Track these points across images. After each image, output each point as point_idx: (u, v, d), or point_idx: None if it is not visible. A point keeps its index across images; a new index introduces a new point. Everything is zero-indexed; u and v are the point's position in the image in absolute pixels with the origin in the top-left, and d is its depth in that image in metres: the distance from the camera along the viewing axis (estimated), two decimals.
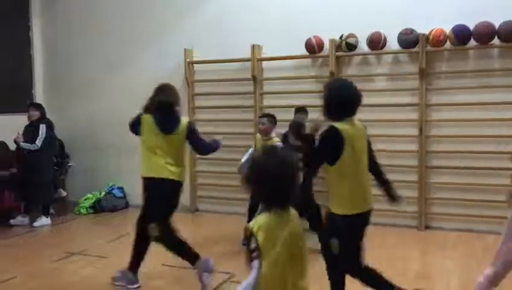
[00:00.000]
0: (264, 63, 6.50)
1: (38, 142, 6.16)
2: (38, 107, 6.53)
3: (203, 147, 4.18)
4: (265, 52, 6.43)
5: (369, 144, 3.22)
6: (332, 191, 3.06)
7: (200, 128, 6.79)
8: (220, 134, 6.71)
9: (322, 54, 6.08)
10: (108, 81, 7.41)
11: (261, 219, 2.03)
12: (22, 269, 4.54)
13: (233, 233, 5.45)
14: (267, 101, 6.52)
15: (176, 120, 3.97)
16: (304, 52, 6.14)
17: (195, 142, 4.11)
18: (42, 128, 6.24)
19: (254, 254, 1.98)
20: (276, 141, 4.94)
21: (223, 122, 6.71)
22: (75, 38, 7.65)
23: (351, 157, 2.96)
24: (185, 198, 6.87)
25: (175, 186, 3.93)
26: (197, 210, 6.98)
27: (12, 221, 6.29)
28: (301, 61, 6.31)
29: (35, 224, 6.20)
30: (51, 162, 6.64)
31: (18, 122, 6.46)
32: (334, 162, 2.96)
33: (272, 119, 5.07)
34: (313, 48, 6.03)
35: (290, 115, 6.33)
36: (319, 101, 6.22)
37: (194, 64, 6.85)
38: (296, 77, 6.32)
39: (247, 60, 6.41)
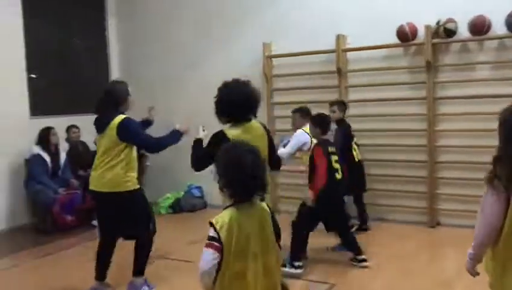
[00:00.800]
0: (349, 54, 6.05)
1: None
2: None
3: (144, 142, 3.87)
4: (350, 43, 5.98)
5: (270, 142, 3.27)
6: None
7: (279, 125, 6.65)
8: None
9: (415, 41, 5.54)
10: (185, 78, 7.23)
11: (225, 215, 2.09)
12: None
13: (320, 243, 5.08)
14: (353, 95, 6.07)
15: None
16: (394, 40, 5.63)
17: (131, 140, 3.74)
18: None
19: (213, 243, 2.03)
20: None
21: None
22: (151, 36, 7.53)
23: None
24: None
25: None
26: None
27: (94, 222, 6.26)
28: (391, 51, 5.80)
29: None
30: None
31: None
32: None
33: (304, 114, 5.06)
34: (406, 35, 5.50)
35: (380, 109, 5.91)
36: (411, 93, 5.90)
37: (273, 59, 6.52)
38: (386, 68, 5.83)
39: (332, 51, 5.98)
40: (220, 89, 3.13)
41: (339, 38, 5.91)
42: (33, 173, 6.04)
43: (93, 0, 7.61)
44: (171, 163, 7.42)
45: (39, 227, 6.09)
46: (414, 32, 5.50)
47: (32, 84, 6.62)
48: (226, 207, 2.14)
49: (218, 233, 2.03)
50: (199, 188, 7.08)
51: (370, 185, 5.67)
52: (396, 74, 5.81)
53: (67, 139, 6.69)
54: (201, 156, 3.23)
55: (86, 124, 6.55)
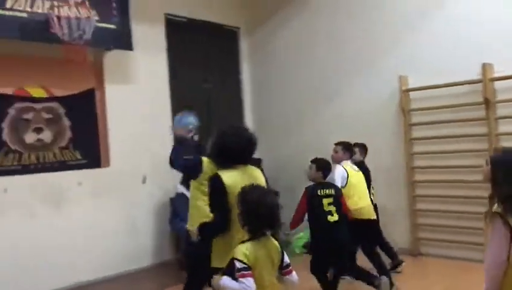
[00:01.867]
0: (497, 84, 5.58)
1: None
2: None
3: None
4: (499, 71, 5.51)
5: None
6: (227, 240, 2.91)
7: (418, 162, 6.30)
8: (443, 168, 6.02)
9: None
10: (318, 114, 7.24)
11: (246, 248, 2.52)
12: None
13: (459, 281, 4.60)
14: (504, 127, 5.54)
15: None
16: None
17: None
18: None
19: (248, 272, 2.46)
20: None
21: (448, 154, 5.93)
22: (282, 76, 7.72)
23: (235, 206, 2.79)
24: (403, 240, 6.29)
25: None
26: (420, 254, 6.23)
27: None
28: None
29: None
30: None
31: None
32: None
33: (345, 148, 5.23)
34: None
35: None
36: None
37: (410, 92, 6.25)
38: None
39: (478, 81, 5.57)
40: (215, 136, 3.10)
41: (485, 67, 5.49)
42: (177, 211, 6.37)
43: (230, 46, 8.06)
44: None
45: (182, 263, 6.36)
46: None
47: None
48: (243, 241, 2.58)
49: (246, 263, 2.47)
50: None
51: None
52: None
53: None
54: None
55: None
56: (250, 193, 2.61)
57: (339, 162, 5.20)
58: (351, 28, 6.82)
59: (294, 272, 2.76)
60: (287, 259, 2.74)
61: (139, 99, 6.46)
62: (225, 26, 7.92)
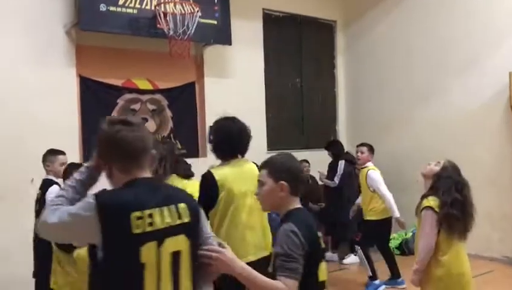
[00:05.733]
0: None
1: (336, 179, 6.15)
2: (334, 143, 6.61)
3: None
4: None
5: None
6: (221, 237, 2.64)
7: None
8: None
9: None
10: (413, 115, 6.97)
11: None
12: None
13: None
14: None
15: None
16: None
17: None
18: (340, 165, 6.20)
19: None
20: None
21: None
22: (378, 72, 7.51)
23: (227, 201, 2.84)
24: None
25: None
26: None
27: None
28: None
29: (345, 261, 6.12)
30: (352, 199, 6.50)
31: (325, 157, 6.61)
32: (212, 205, 2.87)
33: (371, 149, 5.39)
34: None
35: None
36: None
37: None
38: None
39: None
40: (210, 127, 3.09)
41: None
42: None
43: (325, 40, 8.00)
44: (397, 203, 7.15)
45: None
46: None
47: (269, 122, 7.21)
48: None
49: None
50: None
51: None
52: None
53: None
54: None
55: (314, 159, 6.84)
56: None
57: (365, 163, 5.32)
58: (452, 22, 6.47)
59: None
60: None
61: (235, 92, 6.62)
62: (320, 19, 7.86)
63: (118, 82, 5.87)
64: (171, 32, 5.43)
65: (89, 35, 5.49)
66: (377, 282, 5.08)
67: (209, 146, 4.13)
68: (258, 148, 6.96)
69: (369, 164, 5.35)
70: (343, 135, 7.92)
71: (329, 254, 6.35)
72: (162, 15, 5.43)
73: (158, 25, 5.46)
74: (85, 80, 5.59)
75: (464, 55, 6.36)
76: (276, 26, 7.38)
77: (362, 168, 5.41)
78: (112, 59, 5.76)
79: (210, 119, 6.43)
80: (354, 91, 7.96)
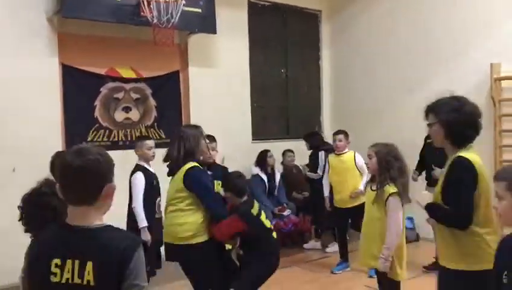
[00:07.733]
0: None
1: (320, 170, 6.12)
2: (312, 135, 6.63)
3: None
4: None
5: None
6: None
7: (508, 156, 5.93)
8: None
9: None
10: (397, 104, 7.02)
11: None
12: None
13: None
14: None
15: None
16: None
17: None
18: (321, 156, 6.18)
19: None
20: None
21: None
22: (363, 62, 7.55)
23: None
24: None
25: None
26: None
27: (305, 245, 6.43)
28: None
29: (328, 250, 6.19)
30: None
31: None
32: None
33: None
34: None
35: None
36: None
37: (502, 81, 5.90)
38: None
39: None
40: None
41: None
42: (254, 193, 6.46)
43: (310, 30, 8.00)
44: None
45: None
46: None
47: (254, 111, 7.21)
48: None
49: None
50: (411, 219, 6.70)
51: None
52: None
53: (283, 163, 7.04)
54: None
55: (299, 148, 6.87)
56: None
57: (344, 150, 5.51)
58: (436, 14, 6.52)
59: None
60: None
61: (219, 81, 6.60)
62: (306, 9, 7.86)
63: (101, 70, 5.81)
64: (155, 20, 5.38)
65: (71, 22, 5.41)
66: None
67: None
68: (243, 137, 7.03)
69: (347, 150, 5.53)
70: (328, 124, 7.95)
71: (312, 243, 6.43)
72: (145, 3, 5.36)
73: (142, 13, 5.39)
74: (68, 68, 5.52)
75: (448, 45, 6.42)
76: (262, 15, 7.36)
77: (341, 153, 5.51)
78: (95, 47, 5.69)
79: (194, 108, 6.43)
80: (338, 81, 7.99)
